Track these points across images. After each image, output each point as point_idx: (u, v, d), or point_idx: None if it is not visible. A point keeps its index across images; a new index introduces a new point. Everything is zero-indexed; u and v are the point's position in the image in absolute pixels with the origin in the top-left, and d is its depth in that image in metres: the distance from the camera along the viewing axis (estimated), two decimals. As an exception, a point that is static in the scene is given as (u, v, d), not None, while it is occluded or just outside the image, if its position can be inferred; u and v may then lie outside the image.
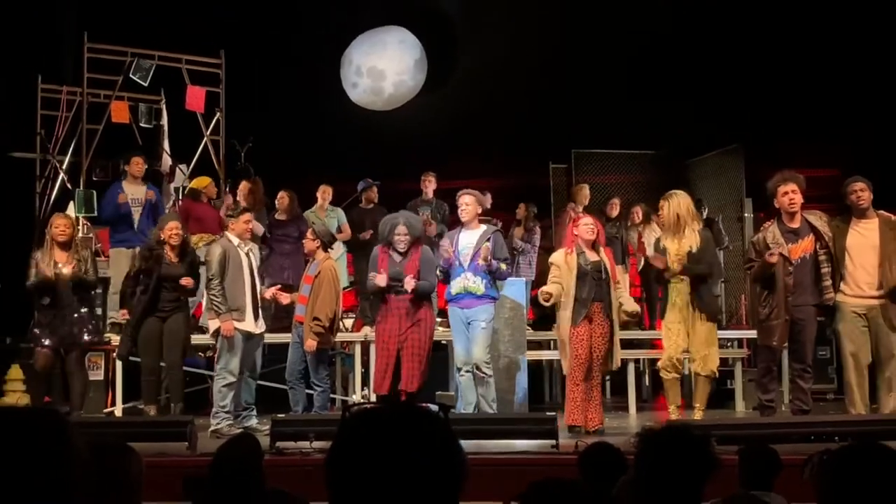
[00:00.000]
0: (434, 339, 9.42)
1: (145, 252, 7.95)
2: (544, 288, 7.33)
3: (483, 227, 7.64)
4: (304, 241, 8.07)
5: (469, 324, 7.40)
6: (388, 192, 10.66)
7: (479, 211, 7.67)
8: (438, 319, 8.49)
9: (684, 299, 7.25)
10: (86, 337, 7.83)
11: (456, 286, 7.43)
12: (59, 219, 8.01)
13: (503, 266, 7.51)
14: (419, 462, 1.48)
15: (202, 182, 10.11)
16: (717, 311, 7.66)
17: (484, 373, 7.39)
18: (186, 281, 7.75)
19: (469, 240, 7.47)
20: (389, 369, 7.39)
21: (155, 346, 7.79)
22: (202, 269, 8.00)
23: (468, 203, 7.53)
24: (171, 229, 7.79)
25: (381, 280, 7.38)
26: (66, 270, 7.72)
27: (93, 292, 8.14)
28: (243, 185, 9.99)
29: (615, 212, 10.99)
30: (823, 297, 7.03)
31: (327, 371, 8.03)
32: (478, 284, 7.37)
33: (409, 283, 7.30)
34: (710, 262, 7.52)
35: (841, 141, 11.88)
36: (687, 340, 7.24)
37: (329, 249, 8.08)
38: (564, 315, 7.27)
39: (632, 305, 7.67)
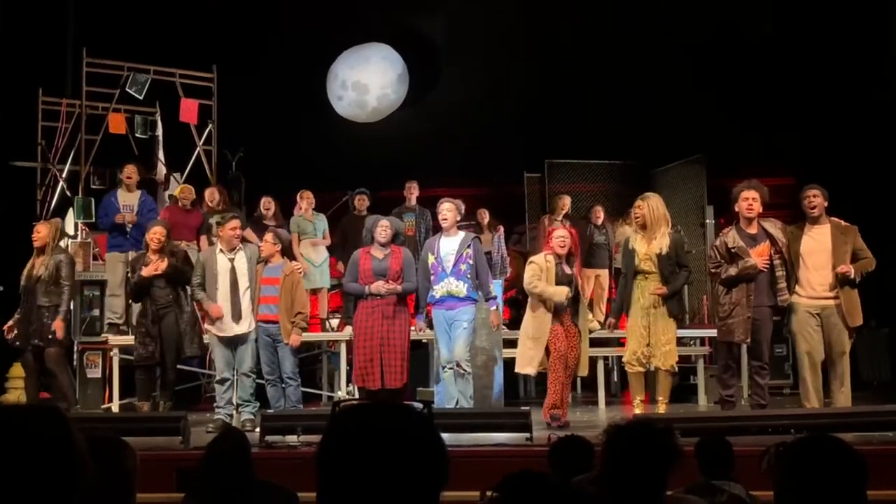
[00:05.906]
0: (414, 338, 9.43)
1: (133, 259, 8.04)
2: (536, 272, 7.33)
3: (462, 233, 7.68)
4: (262, 244, 7.74)
5: (452, 324, 7.44)
6: (371, 199, 10.64)
7: (459, 218, 7.75)
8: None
9: (649, 299, 7.29)
10: (49, 335, 7.67)
11: (440, 290, 7.46)
12: (37, 225, 8.07)
13: (490, 282, 7.67)
14: (404, 456, 1.48)
15: (180, 190, 10.05)
16: (680, 310, 7.68)
17: (464, 369, 7.43)
18: (155, 266, 7.64)
19: (450, 246, 7.52)
20: (376, 365, 7.38)
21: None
22: None
23: (449, 210, 7.61)
24: (154, 234, 7.83)
25: (377, 287, 7.43)
26: (36, 273, 7.73)
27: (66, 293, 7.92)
28: (210, 191, 9.93)
29: (600, 219, 10.94)
30: (778, 299, 7.11)
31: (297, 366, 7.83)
32: (460, 287, 7.42)
33: (385, 287, 7.39)
34: (686, 265, 7.53)
35: (796, 151, 11.98)
36: (648, 336, 7.29)
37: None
38: (542, 315, 7.27)
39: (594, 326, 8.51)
